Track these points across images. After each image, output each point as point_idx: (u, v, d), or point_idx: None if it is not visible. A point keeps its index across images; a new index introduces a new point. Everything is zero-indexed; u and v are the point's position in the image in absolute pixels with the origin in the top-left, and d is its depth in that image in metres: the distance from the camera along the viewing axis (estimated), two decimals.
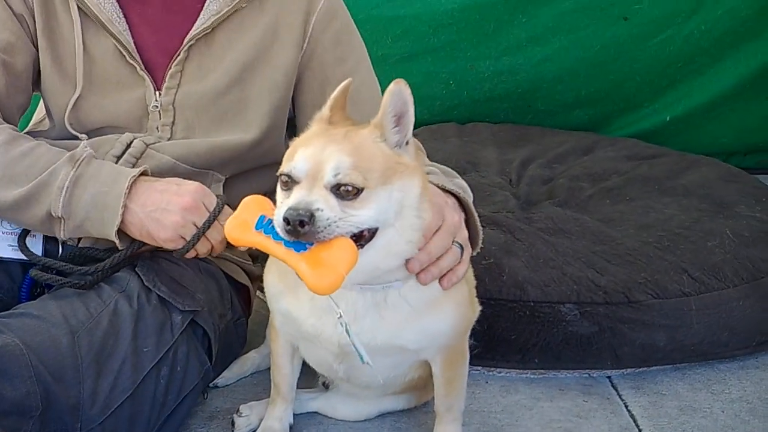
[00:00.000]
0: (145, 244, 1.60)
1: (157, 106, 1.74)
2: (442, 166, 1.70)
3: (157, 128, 1.75)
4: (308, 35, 1.80)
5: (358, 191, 1.26)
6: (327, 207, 1.23)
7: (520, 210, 2.51)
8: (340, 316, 1.38)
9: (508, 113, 3.52)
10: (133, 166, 1.67)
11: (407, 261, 1.39)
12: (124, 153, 1.68)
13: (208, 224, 1.57)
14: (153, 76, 1.75)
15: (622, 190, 2.60)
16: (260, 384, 1.94)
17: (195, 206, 1.56)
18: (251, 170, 1.83)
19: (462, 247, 1.48)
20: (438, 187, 1.52)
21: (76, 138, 1.73)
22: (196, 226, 1.56)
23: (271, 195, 1.88)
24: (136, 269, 1.63)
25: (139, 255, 1.64)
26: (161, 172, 1.66)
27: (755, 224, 2.29)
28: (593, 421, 1.84)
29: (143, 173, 1.59)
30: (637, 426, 1.82)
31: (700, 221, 2.31)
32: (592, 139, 3.18)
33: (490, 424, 1.82)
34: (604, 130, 3.49)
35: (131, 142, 1.70)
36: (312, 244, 1.24)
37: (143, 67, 1.73)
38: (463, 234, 1.52)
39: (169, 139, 1.74)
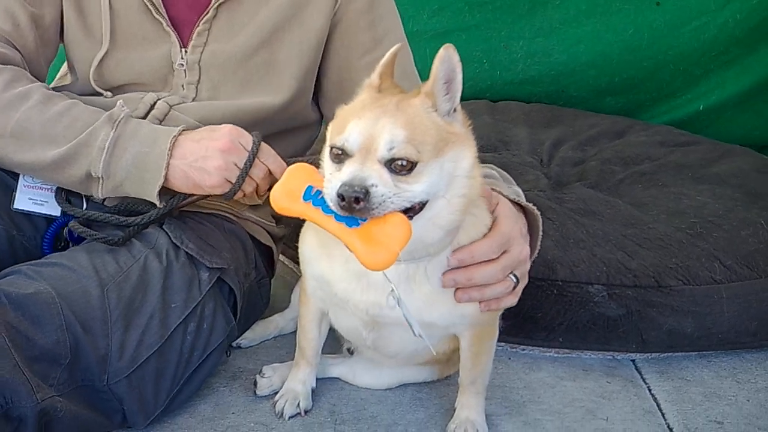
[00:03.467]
0: (186, 198, 1.61)
1: (182, 65, 1.71)
2: (498, 170, 1.67)
3: (182, 86, 1.73)
4: None
5: (411, 166, 1.24)
6: (381, 183, 1.21)
7: (551, 190, 2.48)
8: (392, 290, 1.36)
9: (540, 97, 3.47)
10: None
11: (444, 274, 1.40)
12: (147, 114, 1.67)
13: (250, 163, 1.56)
14: (179, 33, 1.72)
15: (654, 175, 2.57)
16: (283, 347, 1.94)
17: (233, 147, 1.56)
18: (278, 133, 1.80)
19: (518, 280, 1.46)
20: (512, 201, 1.50)
21: (100, 95, 1.72)
22: (237, 167, 1.56)
23: (299, 158, 1.88)
24: (164, 227, 1.63)
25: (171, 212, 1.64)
26: None
27: None
28: (616, 403, 1.82)
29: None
30: (660, 410, 1.81)
31: (734, 210, 2.27)
32: (625, 124, 3.14)
33: (512, 399, 1.81)
34: (636, 118, 3.42)
35: (155, 103, 1.68)
36: (365, 219, 1.22)
37: (169, 23, 1.70)
38: (525, 268, 1.49)
39: (194, 99, 1.72)
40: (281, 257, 2.29)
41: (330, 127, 1.34)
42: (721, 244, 2.09)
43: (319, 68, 1.84)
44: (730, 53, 3.37)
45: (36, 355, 1.35)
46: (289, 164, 1.56)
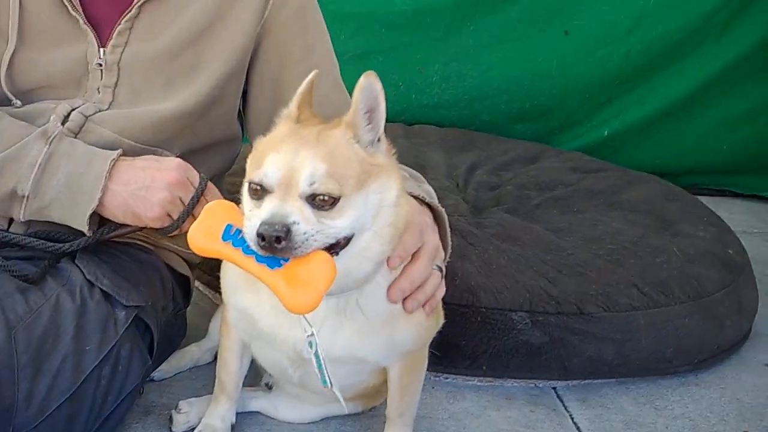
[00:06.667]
0: (116, 229, 1.50)
1: (100, 65, 1.58)
2: (409, 169, 1.62)
3: (98, 90, 1.59)
4: (271, 1, 1.67)
5: (334, 201, 1.18)
6: (303, 220, 1.15)
7: (470, 215, 2.48)
8: (311, 335, 1.29)
9: (454, 121, 3.51)
10: None
11: (388, 290, 1.35)
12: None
13: (196, 199, 1.47)
14: (97, 32, 1.59)
15: (569, 201, 2.60)
16: (199, 379, 1.85)
17: (181, 181, 1.47)
18: (202, 149, 1.70)
19: (442, 270, 1.43)
20: (415, 198, 1.46)
21: (9, 103, 1.58)
22: (182, 202, 1.47)
23: (223, 175, 1.78)
24: (76, 261, 1.51)
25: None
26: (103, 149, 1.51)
27: (700, 243, 2.31)
28: None
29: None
30: None
31: (647, 237, 2.32)
32: (537, 149, 3.19)
33: (437, 430, 1.78)
34: (547, 144, 3.50)
35: (69, 114, 1.54)
36: (287, 259, 1.16)
37: (86, 21, 1.58)
38: (441, 255, 1.46)
39: (110, 104, 1.60)
40: (197, 284, 2.20)
41: (248, 161, 1.26)
42: (637, 270, 2.13)
43: (249, 77, 1.73)
44: (632, 81, 3.53)
45: None
46: None
